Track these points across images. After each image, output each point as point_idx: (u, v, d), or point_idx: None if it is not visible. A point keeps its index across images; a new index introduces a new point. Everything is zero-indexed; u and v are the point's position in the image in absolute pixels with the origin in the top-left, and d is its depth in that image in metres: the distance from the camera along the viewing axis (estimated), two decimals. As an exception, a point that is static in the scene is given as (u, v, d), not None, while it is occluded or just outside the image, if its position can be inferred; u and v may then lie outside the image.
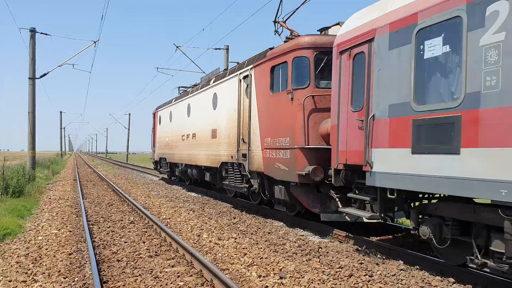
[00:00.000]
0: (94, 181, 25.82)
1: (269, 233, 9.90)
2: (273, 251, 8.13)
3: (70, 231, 9.97)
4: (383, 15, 7.39)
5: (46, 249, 8.24)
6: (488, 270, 5.98)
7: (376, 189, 7.53)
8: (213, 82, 15.84)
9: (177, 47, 25.74)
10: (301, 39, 10.17)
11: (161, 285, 6.14)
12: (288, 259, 7.53)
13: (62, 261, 7.39)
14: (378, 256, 7.82)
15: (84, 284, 6.23)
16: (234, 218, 11.99)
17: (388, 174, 7.09)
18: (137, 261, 7.38)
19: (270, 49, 11.58)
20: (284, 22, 12.52)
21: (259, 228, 10.50)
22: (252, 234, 9.80)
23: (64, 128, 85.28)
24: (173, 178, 24.94)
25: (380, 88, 7.35)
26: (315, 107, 9.79)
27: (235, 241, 8.91)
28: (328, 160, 9.05)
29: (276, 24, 12.55)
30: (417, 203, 7.42)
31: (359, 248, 8.40)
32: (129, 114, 70.52)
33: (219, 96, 14.99)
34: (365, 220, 8.97)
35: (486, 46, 5.49)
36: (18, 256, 7.70)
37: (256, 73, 11.89)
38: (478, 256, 5.96)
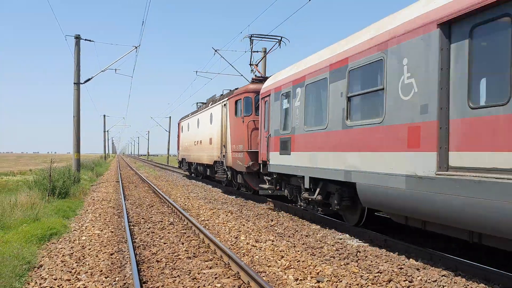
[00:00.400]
0: (136, 183, 26.45)
1: (306, 236, 9.84)
2: (310, 254, 8.07)
3: (112, 232, 10.26)
4: (273, 83, 13.61)
5: (89, 249, 8.51)
6: (304, 207, 11.80)
7: (272, 173, 13.65)
8: (210, 105, 22.19)
9: (216, 50, 26.00)
10: (248, 86, 17.09)
11: (198, 286, 6.21)
12: (325, 263, 7.46)
13: (104, 261, 7.62)
14: (419, 261, 7.62)
15: (125, 284, 6.40)
16: (272, 220, 11.99)
17: (274, 165, 13.31)
18: (175, 262, 7.50)
19: (236, 89, 18.22)
20: (256, 65, 19.17)
21: (297, 231, 10.45)
22: (289, 236, 9.77)
23: (107, 131, 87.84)
24: (192, 175, 31.14)
25: (272, 121, 13.52)
26: (255, 127, 16.52)
27: (272, 244, 8.91)
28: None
29: (251, 66, 18.99)
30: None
31: (399, 253, 8.21)
32: (170, 117, 71.88)
33: (213, 115, 21.37)
34: (269, 192, 14.98)
35: (295, 106, 11.66)
36: (63, 255, 7.99)
37: (229, 103, 18.02)
38: (299, 201, 12.07)
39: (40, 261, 7.67)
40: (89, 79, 25.27)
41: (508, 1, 5.57)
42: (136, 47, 24.93)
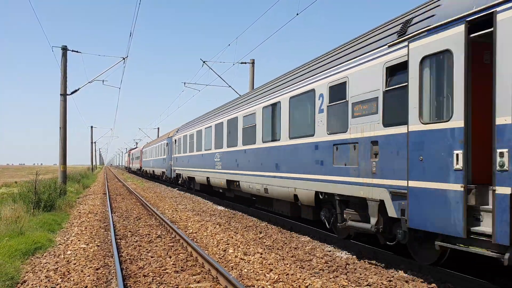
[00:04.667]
0: (123, 195, 26.18)
1: (295, 248, 9.78)
2: (299, 267, 8.00)
3: (98, 246, 10.09)
4: (152, 141, 48.01)
5: (74, 263, 8.35)
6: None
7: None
8: (132, 148, 60.47)
9: (204, 62, 26.02)
10: (132, 150, 72.28)
11: (186, 302, 6.10)
12: (314, 276, 7.40)
13: (89, 276, 7.47)
14: (408, 273, 7.60)
15: (110, 299, 6.26)
16: (260, 232, 11.90)
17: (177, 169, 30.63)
18: (163, 276, 7.39)
19: (134, 147, 77.53)
20: (137, 142, 77.79)
21: (285, 243, 10.39)
22: (278, 249, 9.70)
23: (95, 142, 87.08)
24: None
25: (167, 153, 34.87)
26: (130, 158, 77.77)
27: (261, 257, 8.83)
28: None
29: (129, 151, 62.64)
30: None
31: (388, 265, 8.18)
32: (158, 128, 71.57)
33: (127, 154, 79.43)
34: None
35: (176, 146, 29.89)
36: (47, 271, 7.83)
37: (129, 152, 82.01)
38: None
39: (24, 276, 7.50)
40: (76, 90, 25.06)
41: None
42: (123, 58, 24.81)
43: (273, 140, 12.46)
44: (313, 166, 10.09)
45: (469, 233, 5.90)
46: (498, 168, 5.48)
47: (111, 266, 8.16)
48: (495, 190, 5.50)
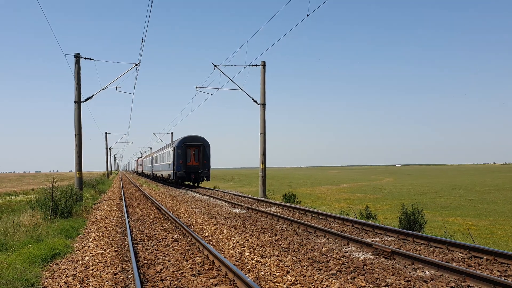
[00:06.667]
0: (139, 199, 26.36)
1: (311, 250, 9.74)
2: (316, 269, 7.97)
3: (116, 251, 10.17)
4: (148, 154, 79.92)
5: (93, 269, 8.43)
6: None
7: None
8: (142, 156, 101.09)
9: (215, 65, 26.12)
10: (138, 159, 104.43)
11: (204, 305, 6.12)
12: (332, 277, 7.36)
13: (107, 281, 7.53)
14: (426, 272, 7.52)
15: (129, 304, 6.30)
16: (276, 234, 11.89)
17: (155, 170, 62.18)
18: (180, 280, 7.42)
19: (141, 156, 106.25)
20: (138, 158, 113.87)
21: (302, 245, 10.36)
22: (294, 251, 9.68)
23: (109, 148, 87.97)
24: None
25: (152, 162, 67.24)
26: (138, 164, 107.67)
27: (278, 259, 8.82)
28: None
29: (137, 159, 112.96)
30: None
31: (406, 264, 8.11)
32: (171, 133, 72.01)
33: (135, 161, 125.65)
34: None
35: (154, 159, 63.08)
36: (66, 277, 7.92)
37: (137, 160, 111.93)
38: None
39: (44, 282, 7.60)
40: (90, 97, 25.33)
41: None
42: (136, 64, 25.00)
43: (163, 162, 46.52)
44: (168, 168, 41.94)
45: (176, 176, 38.17)
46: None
47: (128, 271, 8.22)
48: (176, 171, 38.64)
